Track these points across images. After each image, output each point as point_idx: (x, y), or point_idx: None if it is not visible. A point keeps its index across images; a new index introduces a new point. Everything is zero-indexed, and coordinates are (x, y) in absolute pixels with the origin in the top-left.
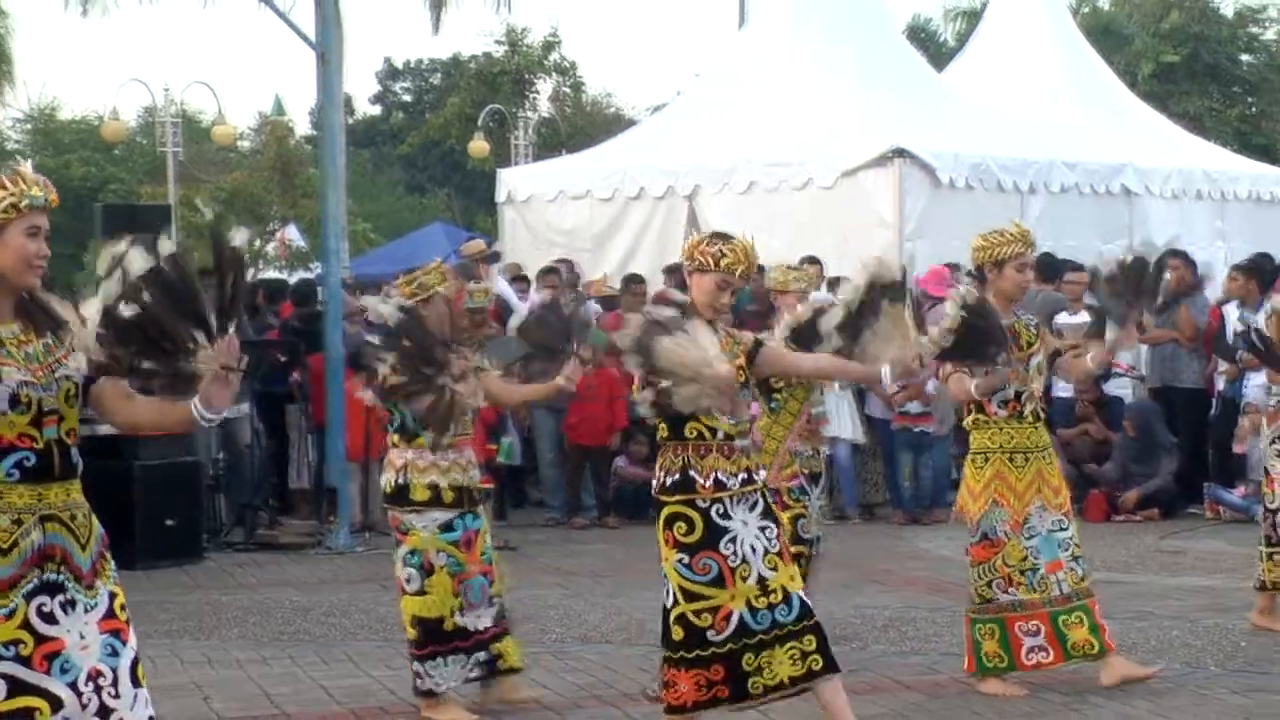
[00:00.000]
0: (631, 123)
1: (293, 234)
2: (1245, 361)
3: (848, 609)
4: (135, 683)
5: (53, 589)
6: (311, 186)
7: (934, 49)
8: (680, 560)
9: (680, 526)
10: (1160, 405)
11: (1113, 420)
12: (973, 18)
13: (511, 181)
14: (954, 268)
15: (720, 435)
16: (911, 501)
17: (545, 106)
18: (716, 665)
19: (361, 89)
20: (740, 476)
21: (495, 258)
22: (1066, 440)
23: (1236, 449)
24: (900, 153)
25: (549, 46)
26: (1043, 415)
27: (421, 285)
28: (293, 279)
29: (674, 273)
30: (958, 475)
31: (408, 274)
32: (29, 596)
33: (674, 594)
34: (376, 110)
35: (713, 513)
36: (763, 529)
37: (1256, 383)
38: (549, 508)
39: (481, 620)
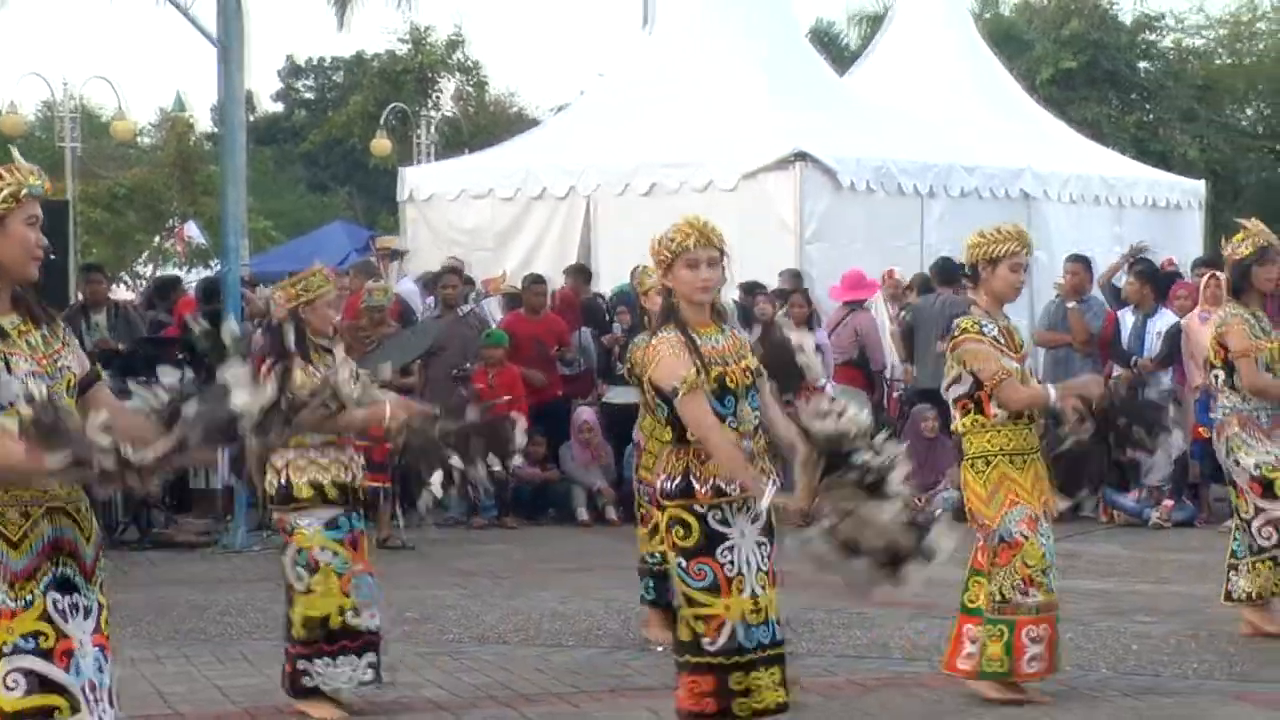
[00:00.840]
0: (535, 122)
1: (192, 231)
2: (1141, 366)
3: None
4: (113, 704)
5: (65, 586)
6: (212, 183)
7: (837, 53)
8: (679, 564)
9: (679, 531)
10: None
11: None
12: (876, 22)
13: (413, 180)
14: (896, 275)
15: None
16: None
17: (448, 105)
18: (708, 675)
19: (264, 86)
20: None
21: (396, 256)
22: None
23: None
24: (801, 156)
25: (452, 45)
26: (1035, 416)
27: (306, 288)
28: (190, 276)
29: (576, 273)
30: None
31: (293, 276)
32: (46, 590)
33: (680, 598)
34: (279, 107)
35: (710, 519)
36: (759, 544)
37: (1160, 387)
38: (448, 508)
39: (375, 620)
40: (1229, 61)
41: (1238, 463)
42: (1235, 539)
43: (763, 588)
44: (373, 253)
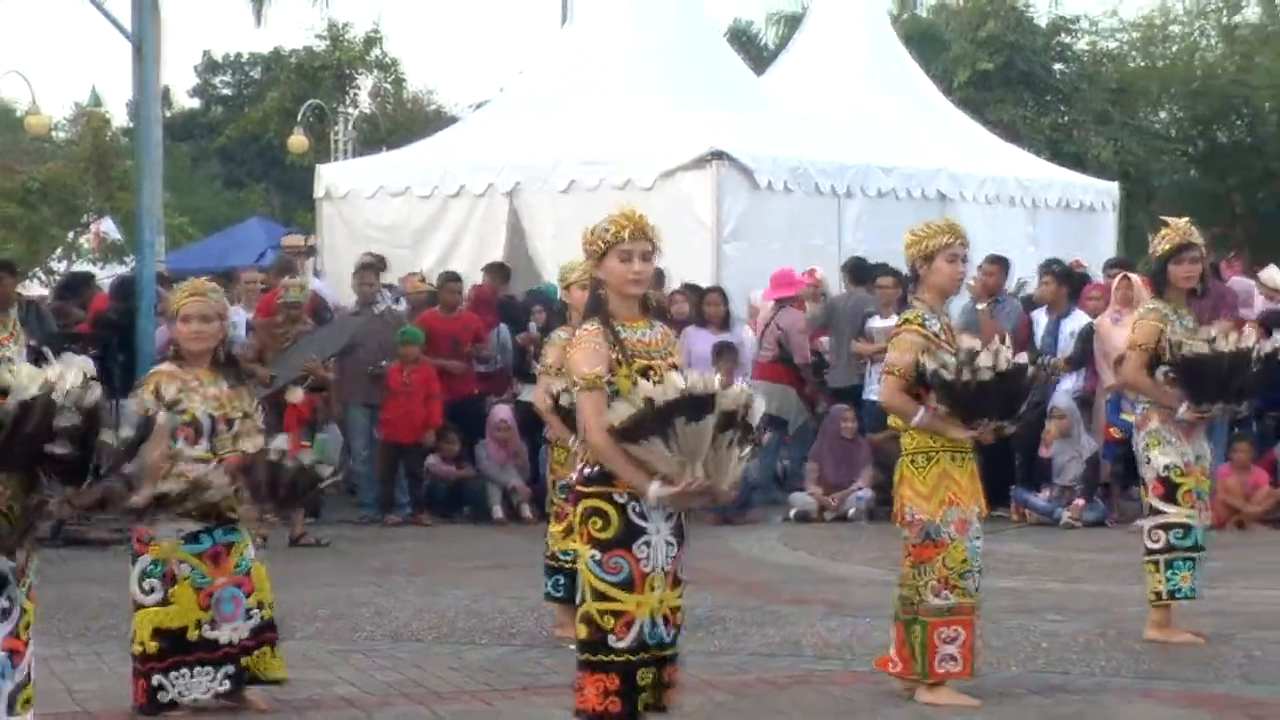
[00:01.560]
0: (453, 120)
1: (108, 227)
2: (1053, 367)
3: None
4: (11, 711)
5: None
6: (128, 179)
7: (756, 52)
8: (593, 557)
9: (596, 521)
10: None
11: None
12: (794, 22)
13: (330, 177)
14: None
15: None
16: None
17: (366, 102)
18: (614, 674)
19: (181, 81)
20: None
21: (311, 252)
22: (876, 444)
23: (1042, 453)
24: (718, 155)
25: (370, 42)
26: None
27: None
28: (104, 273)
29: (494, 271)
30: (787, 474)
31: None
32: None
33: (584, 591)
34: (196, 103)
35: (630, 510)
36: (669, 544)
37: (1064, 388)
38: (363, 505)
39: (237, 633)
40: (1142, 64)
41: (1149, 460)
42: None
43: (662, 588)
44: (279, 253)
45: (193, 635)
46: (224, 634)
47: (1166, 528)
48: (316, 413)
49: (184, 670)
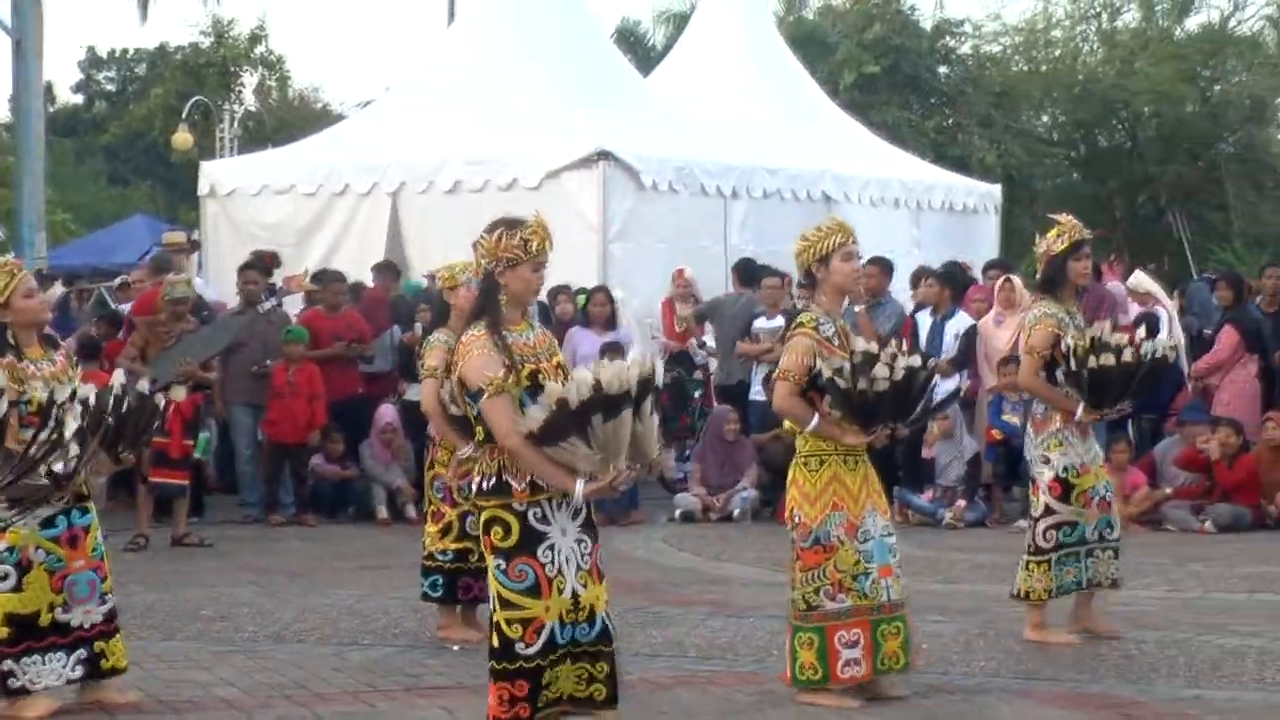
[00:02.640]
0: (339, 118)
1: None
2: (937, 369)
3: None
4: None
5: None
6: (8, 175)
7: (643, 52)
8: (498, 566)
9: (497, 531)
10: None
11: None
12: (682, 21)
13: (214, 174)
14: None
15: None
16: (609, 503)
17: (251, 99)
18: (521, 680)
19: (64, 77)
20: None
21: (195, 248)
22: (760, 444)
23: (925, 453)
24: (604, 155)
25: (256, 39)
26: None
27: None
28: None
29: (384, 270)
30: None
31: None
32: None
33: (493, 600)
34: (79, 99)
35: (530, 516)
36: (579, 541)
37: (945, 388)
38: (247, 505)
39: (90, 616)
40: (1025, 69)
41: (1047, 460)
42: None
43: (584, 585)
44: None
45: (45, 620)
46: (76, 616)
47: (1058, 526)
48: (199, 411)
49: (35, 656)
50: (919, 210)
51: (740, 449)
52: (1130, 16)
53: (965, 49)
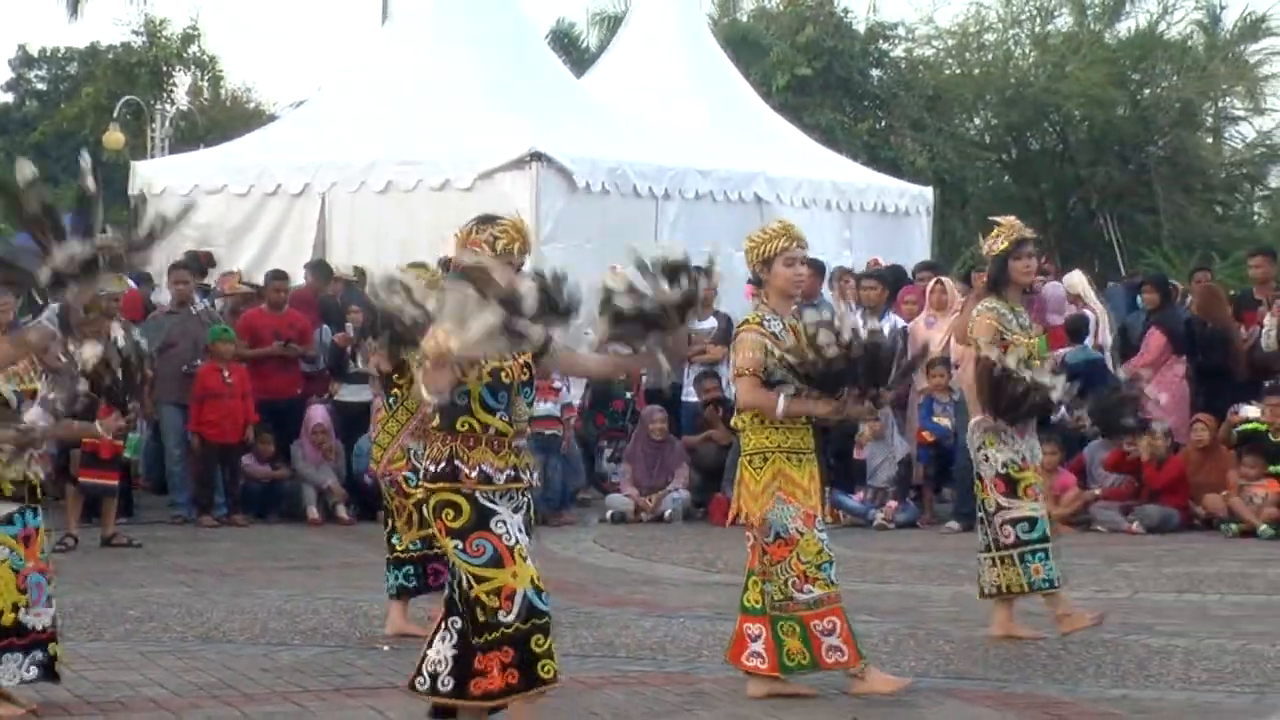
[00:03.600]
0: (271, 118)
1: None
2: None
3: None
4: None
5: None
6: None
7: (578, 54)
8: (456, 546)
9: (448, 513)
10: None
11: None
12: (616, 23)
13: (146, 174)
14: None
15: (492, 431)
16: (540, 503)
17: (183, 99)
18: (507, 647)
19: None
20: (507, 473)
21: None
22: (691, 445)
23: (856, 455)
24: (537, 156)
25: (188, 39)
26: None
27: None
28: None
29: (315, 270)
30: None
31: None
32: None
33: (465, 579)
34: (9, 97)
35: (478, 495)
36: (521, 532)
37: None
38: (176, 505)
39: (41, 619)
40: (958, 72)
41: (987, 458)
42: (981, 535)
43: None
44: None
45: (8, 619)
46: (31, 618)
47: (1014, 522)
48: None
49: None
50: (851, 212)
51: (670, 450)
52: (1062, 20)
53: (898, 52)
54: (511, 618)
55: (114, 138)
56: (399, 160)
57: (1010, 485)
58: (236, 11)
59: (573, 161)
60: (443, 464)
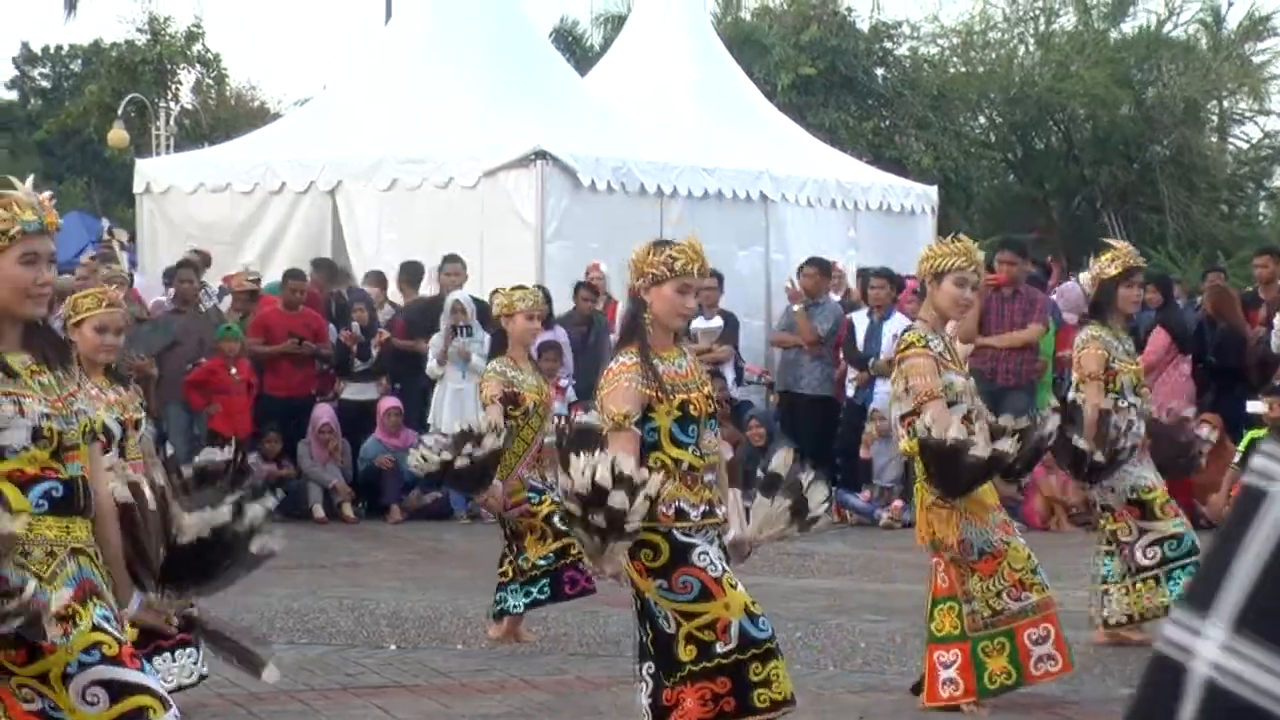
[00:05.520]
0: (276, 116)
1: None
2: (876, 369)
3: (478, 608)
4: None
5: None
6: None
7: (581, 53)
8: (660, 586)
9: (646, 554)
10: (786, 410)
11: (744, 425)
12: (620, 23)
13: (149, 172)
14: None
15: (684, 465)
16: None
17: (187, 97)
18: (722, 677)
19: None
20: (702, 508)
21: (123, 248)
22: None
23: (862, 454)
24: (541, 154)
25: (192, 37)
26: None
27: (74, 308)
28: None
29: (321, 268)
30: None
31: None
32: (88, 605)
33: (672, 618)
34: (13, 95)
35: (675, 533)
36: (723, 559)
37: (884, 390)
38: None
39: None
40: (962, 71)
41: (1112, 489)
42: (1105, 564)
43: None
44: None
45: None
46: None
47: (1160, 542)
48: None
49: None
50: (855, 211)
51: None
52: (1067, 20)
53: (902, 51)
54: (729, 648)
55: (118, 136)
56: (403, 158)
57: (1143, 508)
58: (240, 9)
59: (577, 160)
60: None
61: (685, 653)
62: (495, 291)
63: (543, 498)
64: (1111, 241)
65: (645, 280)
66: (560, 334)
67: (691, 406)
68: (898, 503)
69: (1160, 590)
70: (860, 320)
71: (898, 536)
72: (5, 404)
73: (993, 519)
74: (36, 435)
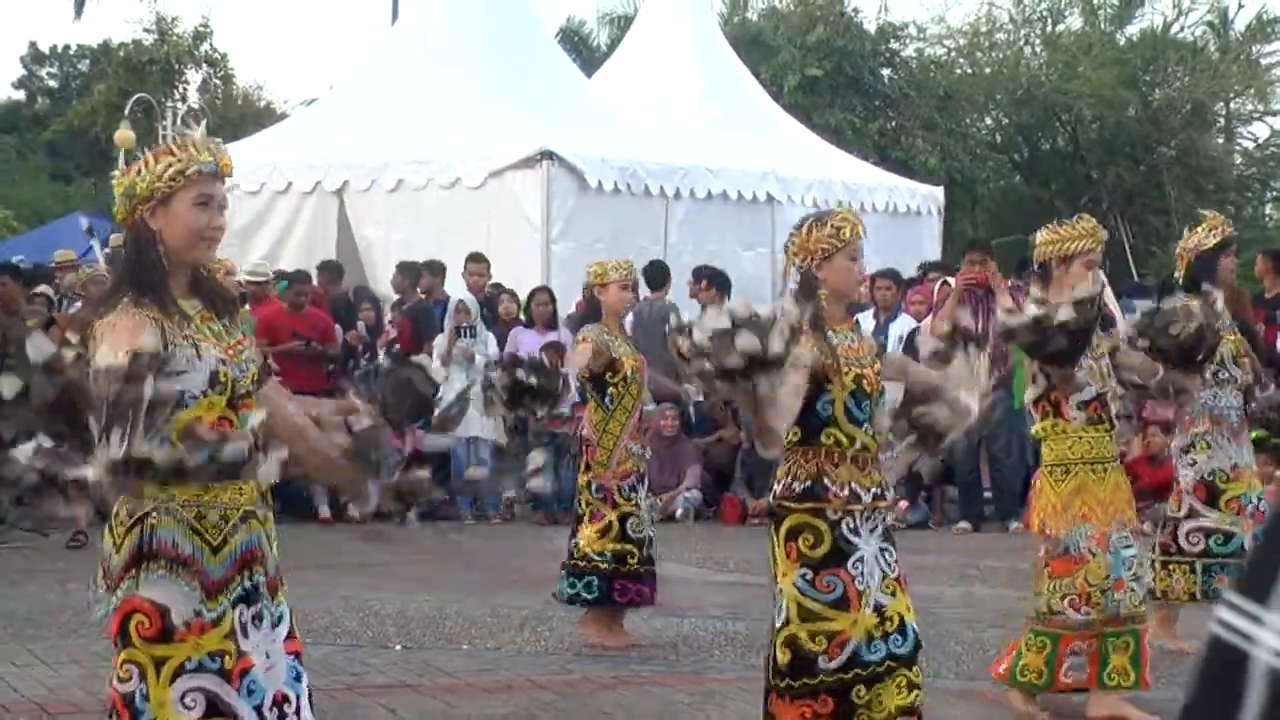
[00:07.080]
0: (282, 116)
1: None
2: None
3: (484, 608)
4: (312, 711)
5: (248, 598)
6: None
7: (587, 53)
8: (803, 575)
9: (806, 539)
10: None
11: (746, 425)
12: (626, 23)
13: None
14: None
15: (858, 444)
16: (551, 502)
17: (194, 97)
18: (825, 696)
19: (5, 72)
20: (874, 491)
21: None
22: (703, 448)
23: None
24: (548, 155)
25: (199, 36)
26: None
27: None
28: None
29: (326, 270)
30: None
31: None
32: (235, 603)
33: (786, 612)
34: (21, 95)
35: (843, 526)
36: (883, 550)
37: (891, 390)
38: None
39: None
40: (968, 72)
41: (1193, 462)
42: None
43: (891, 594)
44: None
45: None
46: None
47: (1207, 533)
48: None
49: None
50: (861, 212)
51: (682, 449)
52: (1073, 21)
53: (909, 52)
54: (835, 665)
55: (125, 136)
56: (410, 159)
57: (1211, 494)
58: (247, 9)
59: (583, 160)
60: (807, 482)
61: (781, 654)
62: (593, 263)
63: (633, 495)
64: (1205, 212)
65: (815, 258)
66: (565, 335)
67: (865, 382)
68: (903, 504)
69: (1192, 579)
70: (866, 321)
71: (902, 538)
72: (185, 347)
73: (1090, 527)
74: (214, 380)
